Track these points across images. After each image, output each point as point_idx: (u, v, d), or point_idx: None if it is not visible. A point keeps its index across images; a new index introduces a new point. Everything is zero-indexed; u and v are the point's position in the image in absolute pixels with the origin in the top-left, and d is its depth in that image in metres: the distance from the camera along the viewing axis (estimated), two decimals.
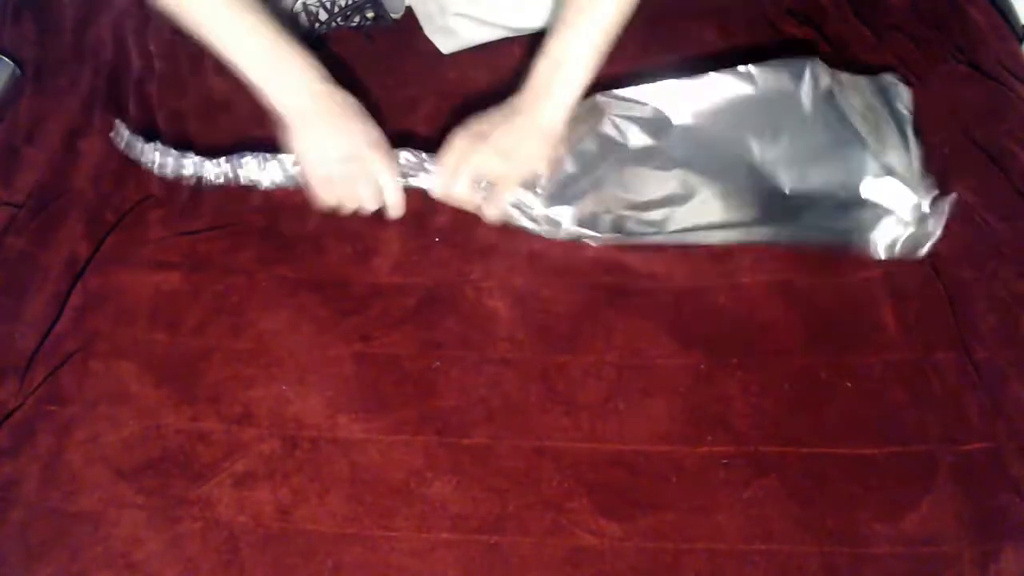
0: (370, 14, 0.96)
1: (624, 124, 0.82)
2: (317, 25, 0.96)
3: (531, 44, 0.92)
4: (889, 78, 0.85)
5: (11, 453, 0.69)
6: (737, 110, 0.81)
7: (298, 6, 0.94)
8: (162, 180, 0.86)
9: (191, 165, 0.82)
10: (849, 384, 0.72)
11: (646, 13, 0.95)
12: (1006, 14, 0.98)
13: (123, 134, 0.85)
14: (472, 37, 0.94)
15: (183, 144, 0.86)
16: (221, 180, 0.82)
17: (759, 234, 0.79)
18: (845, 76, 0.83)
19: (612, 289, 0.78)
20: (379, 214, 0.81)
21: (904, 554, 0.64)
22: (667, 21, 0.97)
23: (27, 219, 0.83)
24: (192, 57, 0.96)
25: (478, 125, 0.79)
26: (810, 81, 0.80)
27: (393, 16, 0.97)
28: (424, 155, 0.81)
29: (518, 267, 0.79)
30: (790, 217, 0.78)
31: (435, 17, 0.94)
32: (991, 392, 0.71)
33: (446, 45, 0.95)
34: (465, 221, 0.82)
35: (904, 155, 0.79)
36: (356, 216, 0.81)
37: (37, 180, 0.85)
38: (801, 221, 0.78)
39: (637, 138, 0.81)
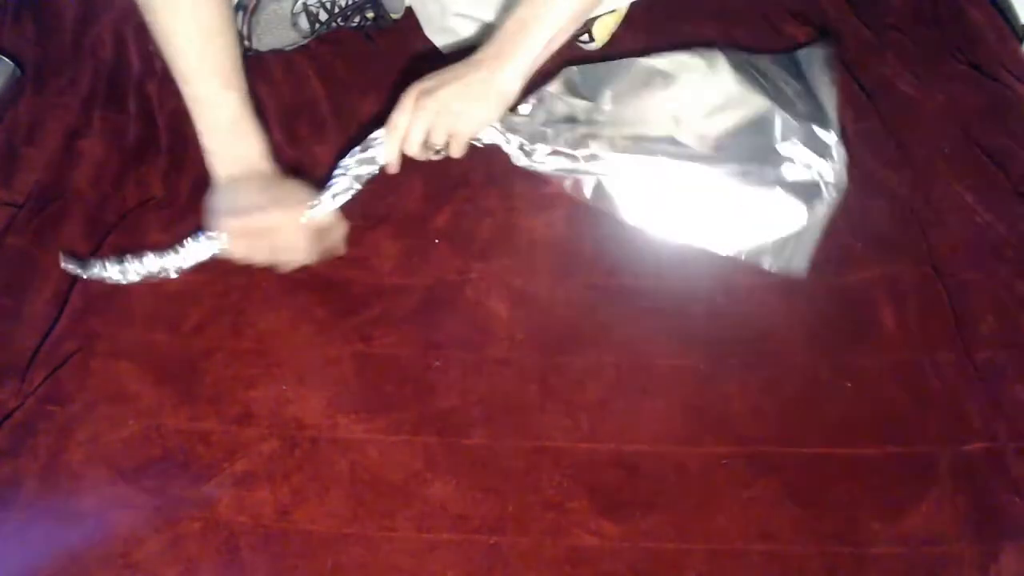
0: (370, 14, 0.96)
1: (550, 100, 0.82)
2: (317, 25, 0.96)
3: None
4: (813, 50, 0.86)
5: (11, 453, 0.69)
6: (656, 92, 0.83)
7: (298, 6, 0.94)
8: (163, 180, 0.86)
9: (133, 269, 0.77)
10: (849, 384, 0.72)
11: (646, 13, 0.95)
12: (1006, 14, 0.98)
13: (71, 263, 0.78)
14: (471, 38, 0.94)
15: (183, 146, 0.86)
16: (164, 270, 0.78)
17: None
18: (763, 57, 0.84)
19: (612, 289, 0.78)
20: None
21: (904, 554, 0.64)
22: (667, 21, 0.97)
23: (27, 219, 0.82)
24: None
25: (430, 82, 0.76)
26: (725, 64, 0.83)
27: (393, 16, 0.97)
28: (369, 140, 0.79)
29: (518, 267, 0.79)
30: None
31: (435, 17, 0.94)
32: (991, 392, 0.71)
33: (446, 45, 0.95)
34: (465, 221, 0.82)
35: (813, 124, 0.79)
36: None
37: (37, 180, 0.85)
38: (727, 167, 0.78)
39: (565, 108, 0.82)
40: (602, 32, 0.92)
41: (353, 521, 0.66)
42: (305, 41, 0.96)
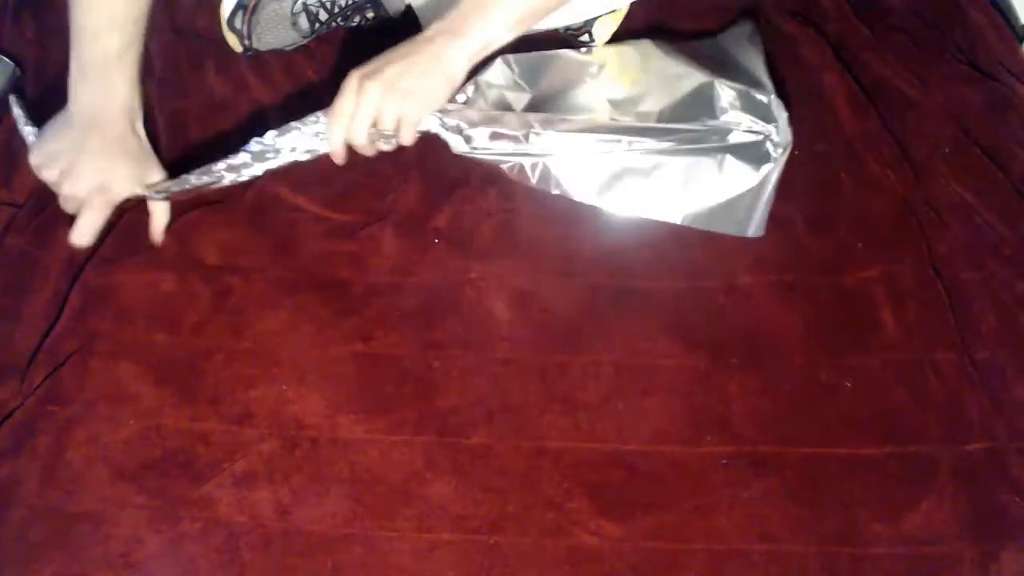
0: (370, 14, 0.96)
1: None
2: (317, 25, 0.95)
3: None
4: (738, 27, 0.87)
5: (11, 453, 0.69)
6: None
7: (298, 6, 0.94)
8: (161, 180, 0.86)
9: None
10: (849, 384, 0.72)
11: (646, 13, 0.95)
12: (1006, 14, 0.98)
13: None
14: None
15: (183, 146, 0.86)
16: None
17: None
18: (691, 43, 0.85)
19: (612, 289, 0.78)
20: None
21: (904, 554, 0.64)
22: (667, 21, 0.97)
23: (27, 219, 0.82)
24: (192, 57, 0.96)
25: (373, 64, 0.73)
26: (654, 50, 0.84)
27: (393, 16, 0.97)
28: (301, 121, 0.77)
29: (518, 267, 0.79)
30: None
31: (434, 17, 0.93)
32: (991, 392, 0.71)
33: None
34: (465, 221, 0.82)
35: (751, 88, 0.79)
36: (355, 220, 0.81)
37: (37, 180, 0.85)
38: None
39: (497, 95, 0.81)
40: (602, 32, 0.92)
41: (353, 521, 0.66)
42: (305, 41, 0.96)
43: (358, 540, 0.65)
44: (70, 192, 0.77)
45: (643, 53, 0.86)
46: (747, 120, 0.76)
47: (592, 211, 0.80)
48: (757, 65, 0.82)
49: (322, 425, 0.71)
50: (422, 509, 0.67)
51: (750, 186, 0.77)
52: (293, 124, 0.76)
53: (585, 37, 0.92)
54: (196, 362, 0.74)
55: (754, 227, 0.77)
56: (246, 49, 0.94)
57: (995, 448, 0.68)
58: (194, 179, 0.78)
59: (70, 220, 0.82)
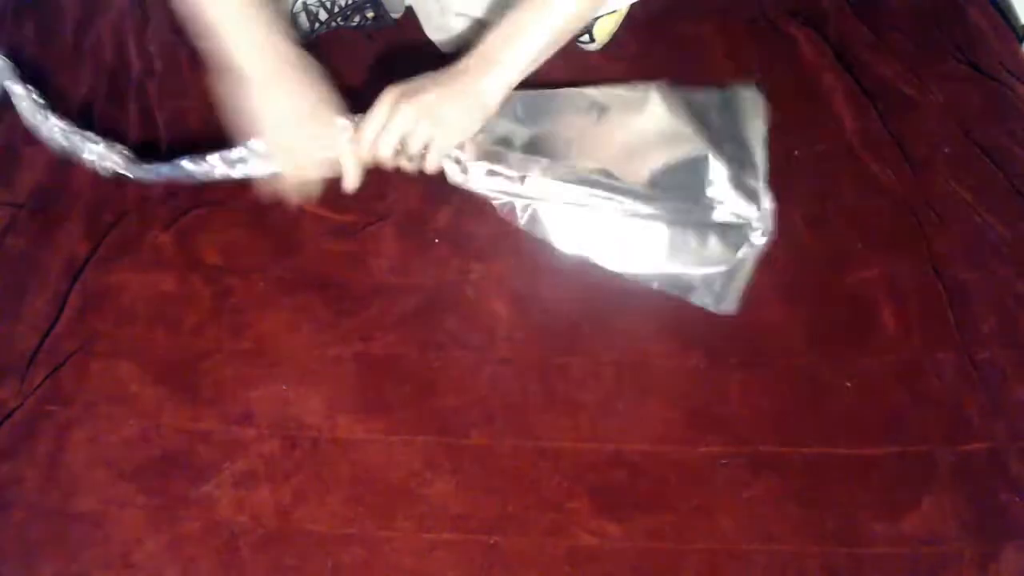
0: (370, 14, 0.96)
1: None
2: (317, 25, 0.96)
3: None
4: (744, 91, 0.84)
5: (11, 453, 0.69)
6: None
7: (298, 6, 0.94)
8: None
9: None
10: (849, 384, 0.72)
11: (646, 13, 0.95)
12: (1006, 14, 0.98)
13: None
14: (472, 37, 0.93)
15: (183, 146, 0.86)
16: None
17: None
18: (697, 94, 0.83)
19: (612, 289, 0.78)
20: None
21: (904, 554, 0.64)
22: (667, 21, 0.97)
23: (27, 219, 0.83)
24: (192, 57, 0.96)
25: (412, 83, 0.74)
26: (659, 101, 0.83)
27: (393, 16, 0.97)
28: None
29: (518, 267, 0.79)
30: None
31: (435, 16, 0.93)
32: (991, 392, 0.71)
33: (446, 45, 0.95)
34: (465, 221, 0.82)
35: (743, 168, 0.78)
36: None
37: (37, 180, 0.85)
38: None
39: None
40: (602, 33, 0.92)
41: (353, 521, 0.66)
42: (305, 41, 0.96)
43: (358, 540, 0.65)
44: (320, 155, 0.76)
45: (644, 101, 0.84)
46: (732, 200, 0.76)
47: None
48: (756, 142, 0.81)
49: (322, 425, 0.71)
50: (422, 509, 0.67)
51: (728, 266, 0.77)
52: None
53: (585, 37, 0.92)
54: (196, 362, 0.74)
55: (728, 303, 0.76)
56: None
57: (995, 448, 0.68)
58: (190, 165, 0.79)
59: (70, 220, 0.83)
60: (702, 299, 0.76)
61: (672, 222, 0.77)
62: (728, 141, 0.80)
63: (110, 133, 0.89)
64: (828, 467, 0.68)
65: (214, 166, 0.79)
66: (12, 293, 0.78)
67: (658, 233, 0.77)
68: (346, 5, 0.95)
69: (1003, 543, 0.64)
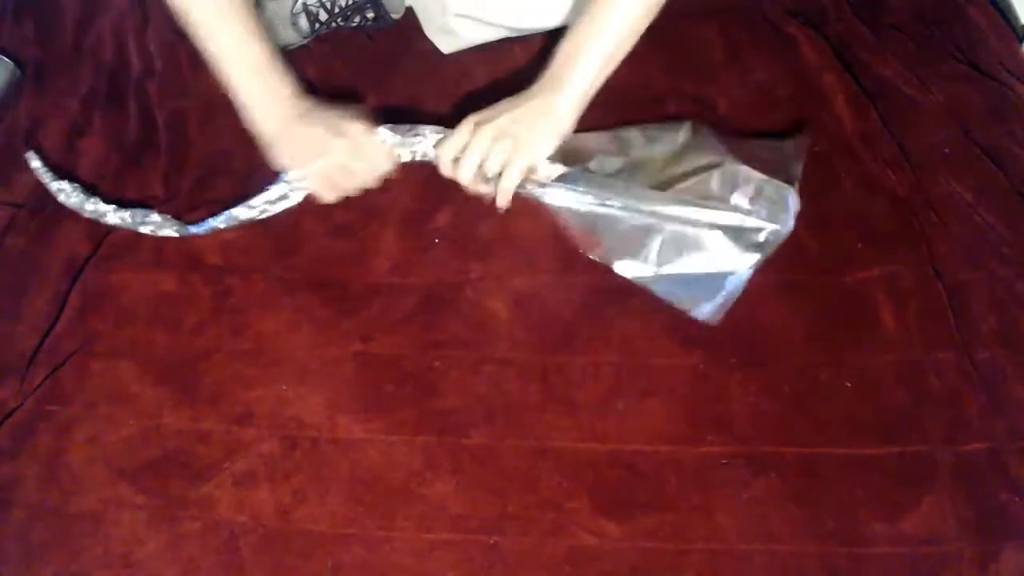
0: (370, 14, 0.96)
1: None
2: (317, 25, 0.95)
3: (531, 44, 0.93)
4: (792, 143, 0.83)
5: (11, 453, 0.69)
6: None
7: (298, 7, 0.94)
8: (163, 180, 0.86)
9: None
10: (849, 384, 0.72)
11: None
12: (1006, 14, 0.98)
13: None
14: (472, 37, 0.94)
15: (183, 146, 0.87)
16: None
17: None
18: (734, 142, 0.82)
19: (612, 289, 0.78)
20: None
21: (904, 554, 0.64)
22: (667, 21, 0.97)
23: (27, 219, 0.83)
24: (192, 57, 0.95)
25: (489, 111, 0.78)
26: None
27: (393, 16, 0.97)
28: (413, 127, 0.80)
29: (518, 267, 0.79)
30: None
31: (435, 17, 0.93)
32: (991, 392, 0.71)
33: (446, 45, 0.95)
34: (465, 221, 0.82)
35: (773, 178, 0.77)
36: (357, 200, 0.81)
37: (37, 180, 0.85)
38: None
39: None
40: None
41: (353, 521, 0.66)
42: (305, 41, 0.96)
43: (358, 540, 0.65)
44: (361, 163, 0.78)
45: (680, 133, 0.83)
46: (751, 207, 0.75)
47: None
48: (794, 164, 0.80)
49: (322, 425, 0.71)
50: (422, 509, 0.67)
51: (732, 267, 0.75)
52: None
53: None
54: (196, 362, 0.74)
55: (711, 309, 0.74)
56: None
57: (995, 448, 0.68)
58: (242, 214, 0.81)
59: (70, 220, 0.83)
60: (694, 291, 0.75)
61: (684, 221, 0.76)
62: (754, 158, 0.79)
63: (110, 133, 0.90)
64: (828, 467, 0.68)
65: (264, 209, 0.80)
66: (12, 293, 0.78)
67: (667, 232, 0.76)
68: (346, 5, 0.95)
69: (1003, 543, 0.64)
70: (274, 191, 0.80)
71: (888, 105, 0.89)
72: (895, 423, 0.70)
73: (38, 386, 0.73)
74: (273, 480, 0.68)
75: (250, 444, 0.70)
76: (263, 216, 0.81)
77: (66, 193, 0.83)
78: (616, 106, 0.85)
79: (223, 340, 0.75)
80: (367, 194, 0.80)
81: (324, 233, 0.82)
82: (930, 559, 0.64)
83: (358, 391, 0.73)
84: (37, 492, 0.68)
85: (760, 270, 0.78)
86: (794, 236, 0.80)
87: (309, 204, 0.82)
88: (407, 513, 0.66)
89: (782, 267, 0.78)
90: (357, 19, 0.96)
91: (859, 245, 0.80)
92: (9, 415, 0.71)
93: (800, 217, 0.81)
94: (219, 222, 0.80)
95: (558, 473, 0.68)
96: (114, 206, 0.82)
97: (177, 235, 0.81)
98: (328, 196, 0.79)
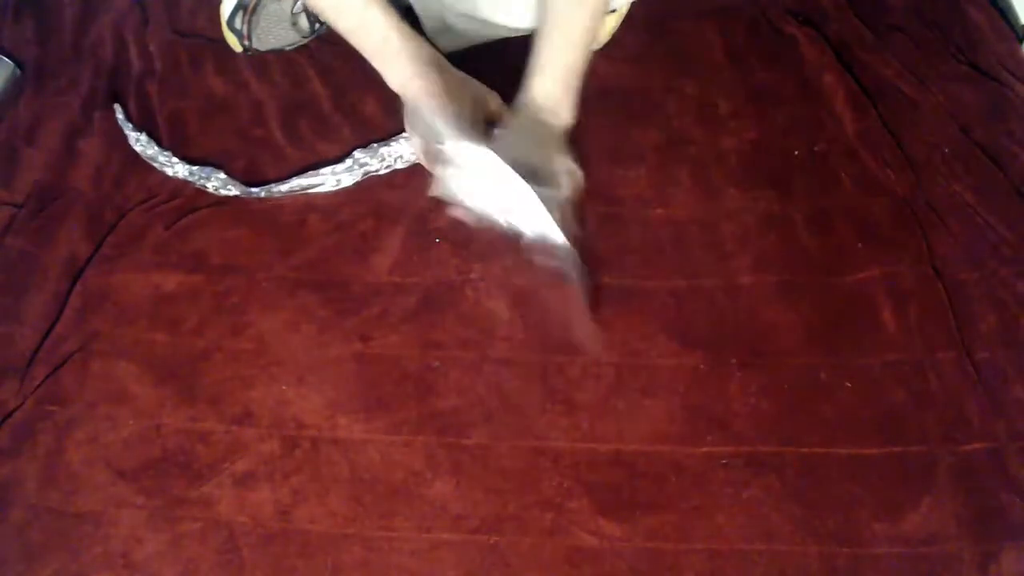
0: None
1: None
2: (317, 25, 0.96)
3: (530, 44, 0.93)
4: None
5: (11, 453, 0.69)
6: None
7: (298, 6, 0.94)
8: (162, 180, 0.86)
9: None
10: (849, 384, 0.72)
11: (646, 13, 0.95)
12: (1006, 14, 0.98)
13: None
14: (472, 37, 0.94)
15: (183, 146, 0.86)
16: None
17: None
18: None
19: (612, 289, 0.78)
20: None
21: (904, 554, 0.64)
22: (667, 21, 0.97)
23: (27, 219, 0.83)
24: (192, 57, 0.96)
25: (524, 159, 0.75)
26: None
27: None
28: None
29: (518, 267, 0.79)
30: None
31: (435, 17, 0.93)
32: (991, 392, 0.71)
33: (446, 45, 0.94)
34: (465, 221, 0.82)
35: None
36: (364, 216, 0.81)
37: (37, 180, 0.86)
38: None
39: None
40: (602, 32, 0.92)
41: (353, 521, 0.66)
42: (305, 41, 0.96)
43: (358, 540, 0.65)
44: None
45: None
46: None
47: (589, 211, 0.80)
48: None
49: (322, 425, 0.71)
50: (422, 509, 0.67)
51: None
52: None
53: None
54: (196, 362, 0.74)
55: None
56: (246, 49, 0.94)
57: (995, 448, 0.68)
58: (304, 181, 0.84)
59: (70, 220, 0.83)
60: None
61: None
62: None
63: (110, 133, 0.90)
64: (828, 467, 0.68)
65: (329, 179, 0.84)
66: (12, 293, 0.78)
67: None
68: None
69: (1003, 543, 0.64)
70: (382, 153, 0.83)
71: (888, 105, 0.89)
72: (895, 423, 0.70)
73: (38, 386, 0.73)
74: (273, 480, 0.68)
75: (250, 444, 0.70)
76: (333, 187, 0.83)
77: (142, 144, 0.87)
78: (616, 106, 0.85)
79: (223, 340, 0.75)
80: (369, 194, 0.80)
81: (325, 233, 0.82)
82: (930, 559, 0.64)
83: (358, 391, 0.73)
84: (37, 492, 0.68)
85: (760, 270, 0.78)
86: (794, 236, 0.80)
87: (309, 204, 0.82)
88: (407, 513, 0.66)
89: (782, 267, 0.78)
90: None
91: (859, 245, 0.80)
92: (9, 415, 0.71)
93: (800, 217, 0.81)
94: (284, 187, 0.84)
95: (558, 473, 0.68)
96: (183, 161, 0.86)
97: (240, 195, 0.84)
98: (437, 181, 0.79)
